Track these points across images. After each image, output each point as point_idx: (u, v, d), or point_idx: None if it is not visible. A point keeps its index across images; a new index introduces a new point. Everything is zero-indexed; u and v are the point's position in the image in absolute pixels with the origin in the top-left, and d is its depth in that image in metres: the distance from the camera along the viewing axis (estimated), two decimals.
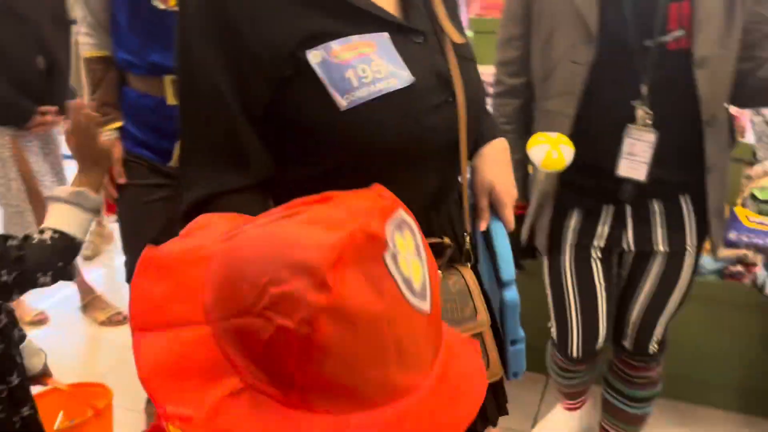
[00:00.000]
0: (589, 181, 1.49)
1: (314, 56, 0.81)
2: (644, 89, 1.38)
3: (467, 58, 0.97)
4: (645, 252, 1.56)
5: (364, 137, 0.83)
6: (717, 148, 1.43)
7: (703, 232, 1.52)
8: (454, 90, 0.91)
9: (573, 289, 1.59)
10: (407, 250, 0.54)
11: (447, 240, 0.96)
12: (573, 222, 1.55)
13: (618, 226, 1.53)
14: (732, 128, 1.51)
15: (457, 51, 0.94)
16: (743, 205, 2.28)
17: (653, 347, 1.66)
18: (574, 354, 1.65)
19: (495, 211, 1.02)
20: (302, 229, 0.52)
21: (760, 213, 2.21)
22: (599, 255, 1.57)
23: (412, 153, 0.88)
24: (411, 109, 0.85)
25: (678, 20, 1.35)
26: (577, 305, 1.60)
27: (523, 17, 1.50)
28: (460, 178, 1.01)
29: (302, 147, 0.87)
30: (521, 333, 0.99)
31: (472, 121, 0.94)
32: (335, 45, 0.81)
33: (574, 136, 1.35)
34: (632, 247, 1.55)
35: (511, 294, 0.97)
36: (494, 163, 1.03)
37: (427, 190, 0.94)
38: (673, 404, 2.23)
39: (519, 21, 1.51)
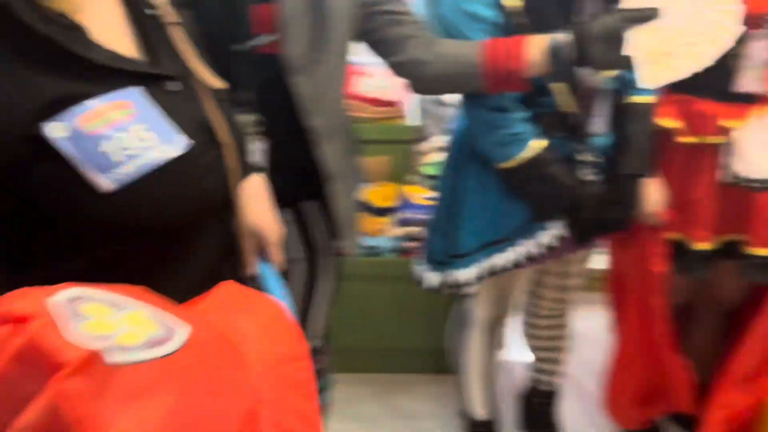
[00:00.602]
0: None
1: (57, 129, 0.65)
2: (247, 96, 1.32)
3: (224, 99, 0.87)
4: (288, 260, 1.58)
5: (137, 219, 0.70)
6: (337, 154, 1.44)
7: (336, 235, 1.56)
8: (219, 141, 0.80)
9: None
10: (108, 318, 0.47)
11: None
12: None
13: None
14: (352, 131, 1.55)
15: (213, 93, 0.84)
16: (415, 183, 2.44)
17: (317, 342, 1.71)
18: None
19: (262, 253, 0.96)
20: None
21: (431, 189, 2.38)
22: None
23: (192, 223, 0.77)
24: (189, 175, 0.74)
25: (263, 24, 1.30)
26: None
27: None
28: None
29: (56, 241, 0.70)
30: None
31: (242, 167, 0.86)
32: (82, 112, 0.66)
33: None
34: None
35: None
36: (254, 201, 0.96)
37: (210, 253, 0.84)
38: (372, 377, 2.37)
39: None
